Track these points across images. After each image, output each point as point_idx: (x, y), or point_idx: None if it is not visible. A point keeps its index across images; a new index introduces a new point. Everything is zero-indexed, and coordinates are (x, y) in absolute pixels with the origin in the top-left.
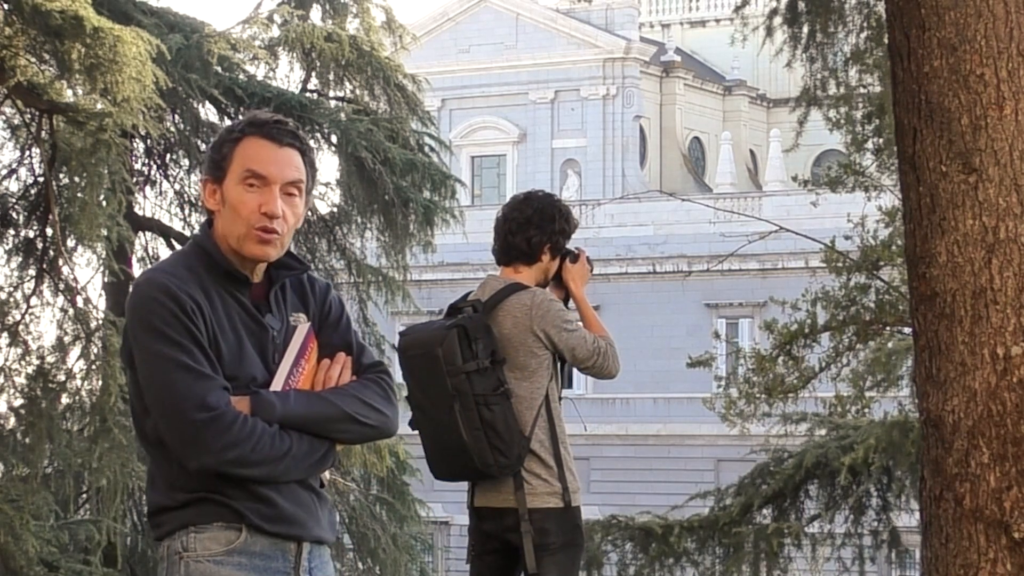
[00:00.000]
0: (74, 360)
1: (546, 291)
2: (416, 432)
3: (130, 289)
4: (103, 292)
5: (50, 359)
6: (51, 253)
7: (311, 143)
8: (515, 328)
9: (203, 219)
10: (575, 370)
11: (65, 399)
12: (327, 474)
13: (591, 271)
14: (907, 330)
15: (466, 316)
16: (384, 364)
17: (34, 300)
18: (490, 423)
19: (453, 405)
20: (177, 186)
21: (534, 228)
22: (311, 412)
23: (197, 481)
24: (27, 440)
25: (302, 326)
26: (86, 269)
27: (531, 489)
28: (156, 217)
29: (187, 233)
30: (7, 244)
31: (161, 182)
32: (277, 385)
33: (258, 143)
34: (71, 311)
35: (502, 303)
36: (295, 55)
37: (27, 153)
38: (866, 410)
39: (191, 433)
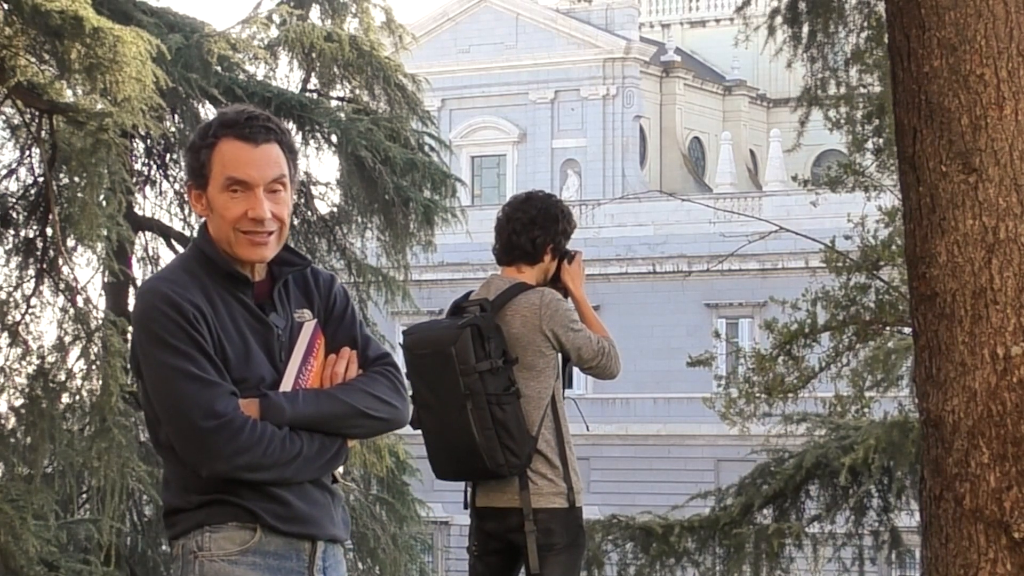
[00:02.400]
0: (74, 360)
1: (554, 291)
2: (415, 432)
3: (132, 296)
4: (103, 292)
5: (50, 359)
6: (51, 253)
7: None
8: (524, 327)
9: (202, 220)
10: (575, 370)
11: (65, 399)
12: (339, 468)
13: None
14: (907, 330)
15: (477, 315)
16: (391, 356)
17: (34, 300)
18: (502, 423)
19: (465, 404)
20: (177, 186)
21: (538, 228)
22: (320, 411)
23: (211, 484)
24: (28, 440)
25: (308, 324)
26: (86, 269)
27: (536, 489)
28: (156, 217)
29: (187, 233)
30: (7, 244)
31: (161, 182)
32: (287, 385)
33: (234, 146)
34: (71, 311)
35: (510, 302)
36: (295, 55)
37: (27, 153)
38: (866, 410)
39: (201, 441)
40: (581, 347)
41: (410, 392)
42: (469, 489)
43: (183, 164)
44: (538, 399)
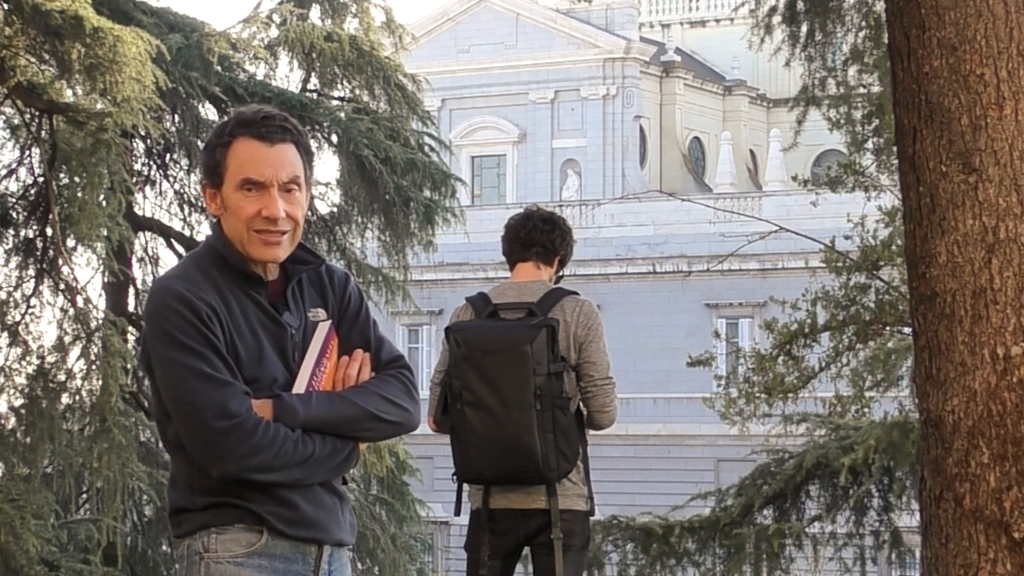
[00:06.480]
0: (74, 360)
1: (593, 303)
2: (415, 432)
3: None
4: (103, 292)
5: (50, 359)
6: (51, 253)
7: (311, 136)
8: (563, 332)
9: (204, 218)
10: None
11: (65, 399)
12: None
13: None
14: (907, 330)
15: (545, 317)
16: (404, 358)
17: (34, 300)
18: (563, 427)
19: (533, 405)
20: (177, 186)
21: (558, 232)
22: (334, 414)
23: (218, 486)
24: (27, 440)
25: (323, 324)
26: (86, 269)
27: (563, 491)
28: (156, 217)
29: (187, 233)
30: (7, 244)
31: (161, 182)
32: (300, 386)
33: (249, 145)
34: (71, 311)
35: (555, 306)
36: (295, 55)
37: (27, 153)
38: (866, 410)
39: (213, 441)
40: (598, 363)
41: (447, 390)
42: (480, 492)
43: (199, 162)
44: (572, 403)
